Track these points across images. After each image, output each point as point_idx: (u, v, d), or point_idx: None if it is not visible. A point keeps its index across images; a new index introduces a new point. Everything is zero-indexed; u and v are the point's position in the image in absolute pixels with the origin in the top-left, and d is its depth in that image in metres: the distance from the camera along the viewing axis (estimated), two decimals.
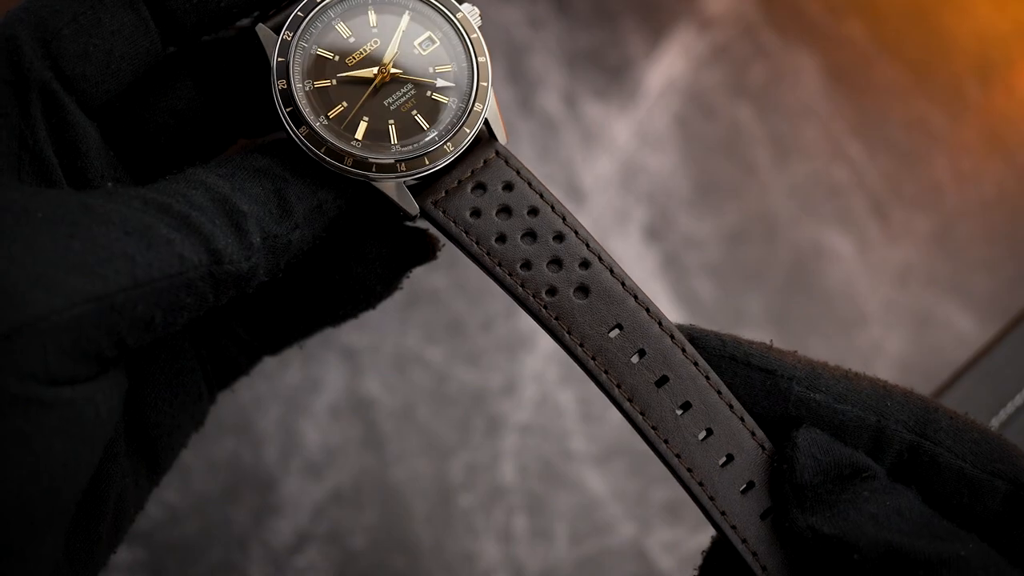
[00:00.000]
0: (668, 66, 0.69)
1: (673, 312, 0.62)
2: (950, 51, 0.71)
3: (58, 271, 0.27)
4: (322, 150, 0.34)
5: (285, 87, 0.34)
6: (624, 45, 0.69)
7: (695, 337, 0.35)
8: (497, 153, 0.36)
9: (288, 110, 0.34)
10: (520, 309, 0.36)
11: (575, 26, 0.68)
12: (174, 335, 0.36)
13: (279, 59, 0.35)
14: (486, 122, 0.36)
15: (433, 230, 0.37)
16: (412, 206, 0.35)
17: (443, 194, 0.36)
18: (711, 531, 0.35)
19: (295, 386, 0.56)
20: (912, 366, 0.62)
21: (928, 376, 0.58)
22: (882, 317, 0.63)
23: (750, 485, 0.34)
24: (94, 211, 0.29)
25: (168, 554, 0.52)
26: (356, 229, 0.37)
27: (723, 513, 0.33)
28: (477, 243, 0.35)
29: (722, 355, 0.35)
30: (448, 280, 0.60)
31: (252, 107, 0.36)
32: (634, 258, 0.63)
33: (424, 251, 0.37)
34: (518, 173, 0.36)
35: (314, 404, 0.56)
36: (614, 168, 0.65)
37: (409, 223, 0.38)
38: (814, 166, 0.67)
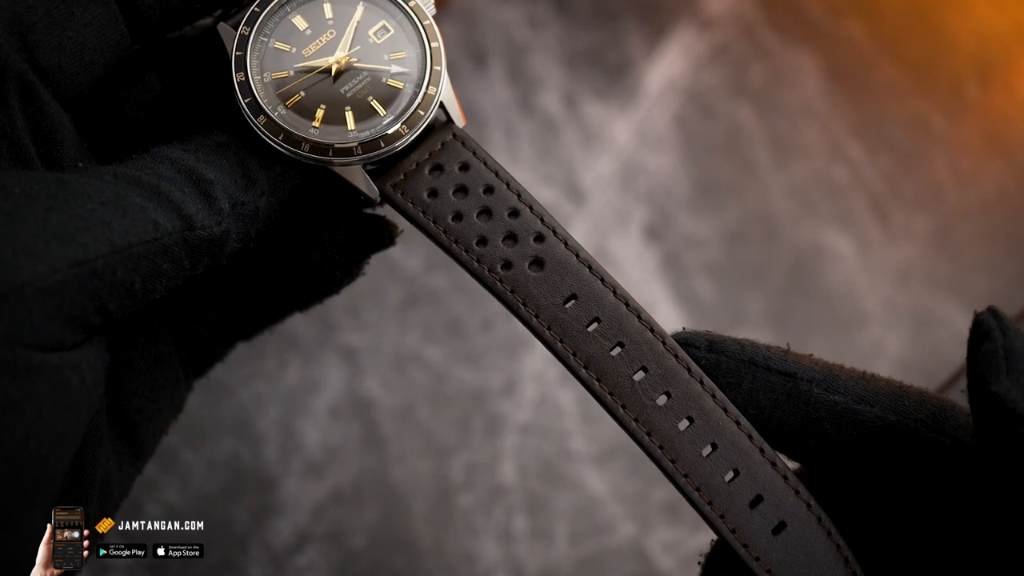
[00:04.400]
0: (668, 66, 0.69)
1: (673, 312, 0.62)
2: (950, 51, 0.71)
3: (39, 240, 0.28)
4: (280, 137, 0.35)
5: (243, 79, 0.35)
6: (624, 45, 0.69)
7: (713, 342, 0.35)
8: (454, 135, 0.37)
9: (246, 101, 0.35)
10: None
11: (575, 26, 0.68)
12: (151, 317, 0.37)
13: (237, 53, 0.36)
14: (443, 105, 0.37)
15: (391, 214, 0.38)
16: (372, 190, 0.36)
17: (402, 177, 0.37)
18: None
19: (295, 386, 0.56)
20: (912, 366, 0.62)
21: (928, 376, 0.58)
22: (882, 317, 0.63)
23: (713, 447, 0.34)
24: (68, 185, 0.30)
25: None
26: (313, 215, 0.38)
27: (686, 476, 0.34)
28: (434, 222, 0.36)
29: (741, 359, 0.34)
30: (447, 280, 0.60)
31: (215, 100, 0.37)
32: (634, 258, 0.63)
33: (382, 237, 0.38)
34: (474, 153, 0.37)
35: (314, 404, 0.56)
36: (614, 168, 0.65)
37: (368, 209, 0.39)
38: (814, 166, 0.67)
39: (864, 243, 0.65)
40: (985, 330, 0.32)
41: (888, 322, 0.63)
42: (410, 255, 0.60)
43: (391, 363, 0.58)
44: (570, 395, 0.58)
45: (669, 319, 0.62)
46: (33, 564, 0.31)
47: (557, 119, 0.66)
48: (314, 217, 0.38)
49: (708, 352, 0.35)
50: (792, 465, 0.36)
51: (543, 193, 0.64)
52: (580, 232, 0.63)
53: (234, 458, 0.54)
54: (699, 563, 0.36)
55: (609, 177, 0.65)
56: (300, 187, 0.36)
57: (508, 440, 0.57)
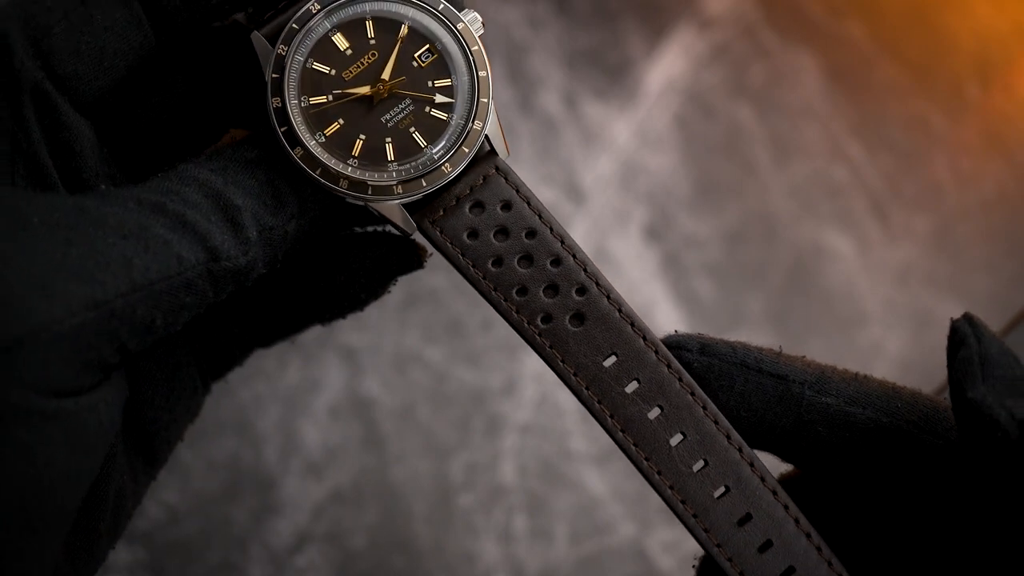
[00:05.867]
0: (668, 66, 0.69)
1: (673, 312, 0.62)
2: (950, 51, 0.71)
3: (57, 278, 0.27)
4: (318, 172, 0.33)
5: (279, 105, 0.34)
6: (624, 45, 0.69)
7: (705, 345, 0.35)
8: (497, 169, 0.35)
9: (283, 129, 0.33)
10: None
11: (575, 26, 0.68)
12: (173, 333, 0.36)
13: (274, 75, 0.34)
14: (486, 138, 0.35)
15: (426, 243, 0.37)
16: (410, 225, 0.35)
17: (441, 213, 0.35)
18: None
19: (295, 386, 0.56)
20: (912, 366, 0.62)
21: (928, 376, 0.58)
22: (882, 317, 0.63)
23: (747, 517, 0.34)
24: (90, 214, 0.29)
25: (168, 554, 0.51)
26: (339, 237, 0.37)
27: (719, 546, 0.33)
28: (473, 266, 0.35)
29: (733, 362, 0.34)
30: (448, 280, 0.60)
31: (241, 97, 0.36)
32: (634, 258, 0.63)
33: (410, 261, 0.37)
34: (517, 191, 0.35)
35: (314, 404, 0.56)
36: (614, 168, 0.65)
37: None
38: (814, 166, 0.67)
39: (864, 243, 0.65)
40: (960, 337, 0.32)
41: (888, 322, 0.63)
42: None
43: (391, 363, 0.58)
44: (570, 395, 0.58)
45: (669, 319, 0.62)
46: None
47: (557, 119, 0.66)
48: (341, 239, 0.37)
49: (700, 355, 0.35)
50: (785, 467, 0.36)
51: (543, 193, 0.64)
52: (580, 232, 0.63)
53: (234, 458, 0.54)
54: (693, 567, 0.36)
55: (609, 177, 0.65)
56: (330, 207, 0.35)
57: (508, 440, 0.57)
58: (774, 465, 0.35)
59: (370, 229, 0.38)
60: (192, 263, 0.30)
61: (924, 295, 0.64)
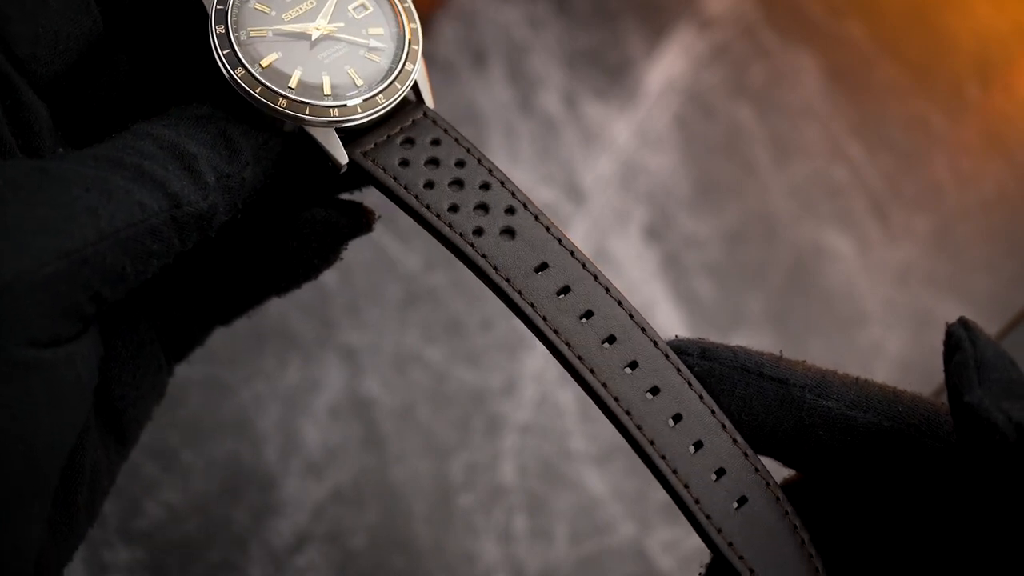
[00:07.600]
0: (668, 66, 0.69)
1: (673, 312, 0.62)
2: (950, 51, 0.71)
3: (26, 233, 0.28)
4: (257, 91, 0.35)
5: (223, 32, 0.36)
6: (624, 45, 0.69)
7: (706, 349, 0.35)
8: (425, 114, 0.38)
9: (225, 52, 0.35)
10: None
11: (575, 26, 0.68)
12: (131, 304, 0.37)
13: (218, 7, 0.36)
14: (415, 86, 0.38)
15: (369, 201, 0.38)
16: (342, 155, 0.36)
17: (372, 146, 0.37)
18: None
19: (295, 386, 0.56)
20: (912, 366, 0.62)
21: (928, 376, 0.58)
22: (882, 317, 0.63)
23: (677, 418, 0.34)
24: (51, 173, 0.30)
25: (168, 554, 0.51)
26: (288, 202, 0.38)
27: (652, 442, 0.34)
28: (406, 188, 0.37)
29: (734, 366, 0.34)
30: (447, 279, 0.60)
31: (183, 74, 0.37)
32: (634, 258, 0.63)
33: (358, 223, 0.38)
34: (446, 132, 0.38)
35: (314, 404, 0.56)
36: (614, 168, 0.65)
37: (346, 195, 0.39)
38: (814, 166, 0.67)
39: (864, 243, 0.65)
40: (955, 341, 0.32)
41: (888, 322, 0.63)
42: (410, 254, 0.60)
43: (391, 363, 0.58)
44: (570, 395, 0.58)
45: (669, 319, 0.62)
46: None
47: (557, 119, 0.66)
48: (290, 204, 0.38)
49: (701, 359, 0.35)
50: (786, 472, 0.36)
51: (543, 193, 0.64)
52: (580, 232, 0.63)
53: (234, 458, 0.54)
54: (700, 574, 0.36)
55: (609, 177, 0.65)
56: (283, 156, 0.36)
57: (508, 440, 0.57)
58: (776, 469, 0.35)
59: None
60: (155, 210, 0.31)
61: (924, 295, 0.64)
